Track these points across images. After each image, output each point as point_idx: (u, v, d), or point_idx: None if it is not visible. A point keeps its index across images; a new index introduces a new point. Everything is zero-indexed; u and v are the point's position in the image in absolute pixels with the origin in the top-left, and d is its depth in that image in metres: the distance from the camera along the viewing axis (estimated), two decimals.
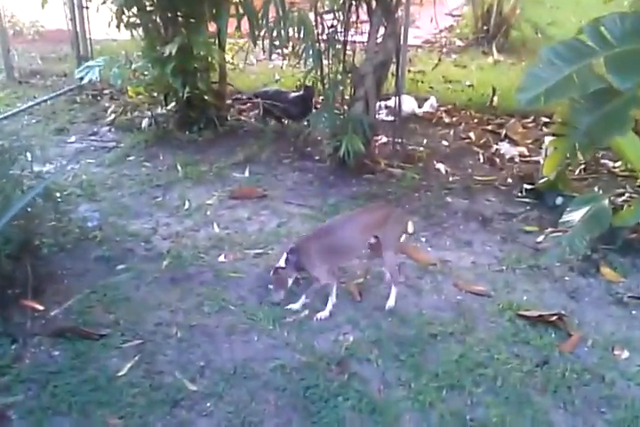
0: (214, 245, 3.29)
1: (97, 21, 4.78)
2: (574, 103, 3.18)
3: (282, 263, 2.71)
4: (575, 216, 3.16)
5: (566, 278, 3.19)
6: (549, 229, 3.57)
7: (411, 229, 3.58)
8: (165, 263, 3.10)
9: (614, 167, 4.46)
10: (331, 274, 2.81)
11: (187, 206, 3.72)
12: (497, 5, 7.97)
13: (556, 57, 2.94)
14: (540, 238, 3.54)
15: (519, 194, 4.07)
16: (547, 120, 5.25)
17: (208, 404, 2.25)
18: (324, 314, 2.76)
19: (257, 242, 3.33)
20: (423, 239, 3.51)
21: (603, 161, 4.53)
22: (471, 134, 5.06)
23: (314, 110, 4.59)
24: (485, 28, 8.07)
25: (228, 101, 5.17)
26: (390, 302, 2.87)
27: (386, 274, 2.97)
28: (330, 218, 3.40)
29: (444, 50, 7.91)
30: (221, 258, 3.18)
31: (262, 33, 4.11)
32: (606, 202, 3.23)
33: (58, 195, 3.15)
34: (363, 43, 4.26)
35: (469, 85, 6.19)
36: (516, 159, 4.65)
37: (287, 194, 3.97)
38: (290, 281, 2.76)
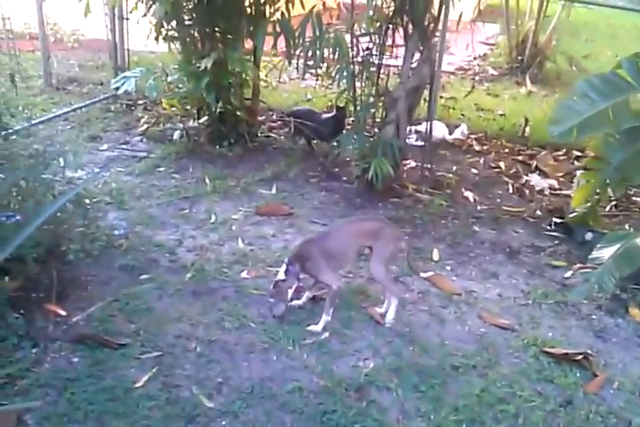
0: (238, 260, 3.28)
1: (136, 32, 4.84)
2: (608, 138, 3.15)
3: (281, 276, 2.73)
4: (605, 253, 3.10)
5: (593, 317, 3.12)
6: (578, 265, 3.52)
7: (436, 256, 3.55)
8: (189, 276, 3.10)
9: None
10: (338, 278, 2.80)
11: (213, 220, 3.72)
12: (532, 36, 7.97)
13: (592, 90, 2.92)
14: (568, 274, 3.48)
15: (548, 227, 4.01)
16: (579, 154, 5.21)
17: (224, 422, 2.22)
18: (317, 328, 2.75)
19: (280, 260, 3.29)
20: (448, 268, 3.46)
21: (635, 198, 4.46)
22: (501, 164, 5.03)
23: (344, 132, 4.59)
24: (520, 58, 8.07)
25: (260, 118, 5.20)
26: (389, 317, 2.85)
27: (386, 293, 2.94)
28: None
29: (477, 78, 7.91)
30: (244, 274, 3.16)
31: (297, 52, 4.14)
32: (638, 240, 3.17)
33: (87, 201, 3.16)
34: (397, 67, 4.28)
35: (501, 115, 6.17)
36: (546, 192, 4.60)
37: (313, 213, 3.95)
38: (290, 292, 2.77)
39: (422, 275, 3.28)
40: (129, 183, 4.12)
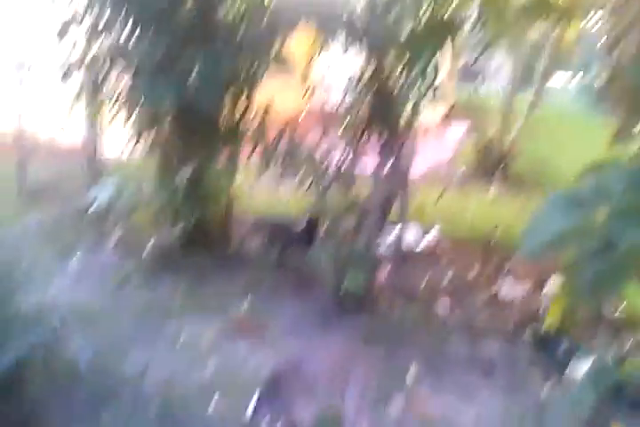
0: (208, 387, 3.14)
1: (113, 138, 4.93)
2: (579, 252, 3.20)
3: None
4: (581, 369, 3.08)
5: None
6: (555, 380, 3.46)
7: (412, 375, 3.46)
8: (154, 410, 2.95)
9: (617, 312, 4.41)
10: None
11: (183, 339, 3.62)
12: (497, 140, 8.36)
13: (558, 208, 2.99)
14: (546, 389, 3.40)
15: (523, 338, 3.98)
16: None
17: None
18: None
19: (254, 384, 3.17)
20: (425, 388, 3.37)
21: (606, 307, 4.48)
22: (474, 271, 5.07)
23: (318, 241, 4.63)
24: (486, 161, 8.41)
25: (234, 226, 5.23)
26: None
27: None
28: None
29: (446, 181, 8.17)
30: (213, 404, 3.02)
31: (272, 163, 4.27)
32: (613, 355, 3.16)
33: (53, 323, 3.07)
34: (369, 175, 4.41)
35: (471, 220, 6.31)
36: (519, 299, 4.61)
37: (288, 327, 3.88)
38: None
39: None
40: (98, 299, 4.03)
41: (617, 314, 4.30)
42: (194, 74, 3.92)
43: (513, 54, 8.46)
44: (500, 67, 9.28)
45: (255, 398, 2.62)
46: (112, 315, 3.86)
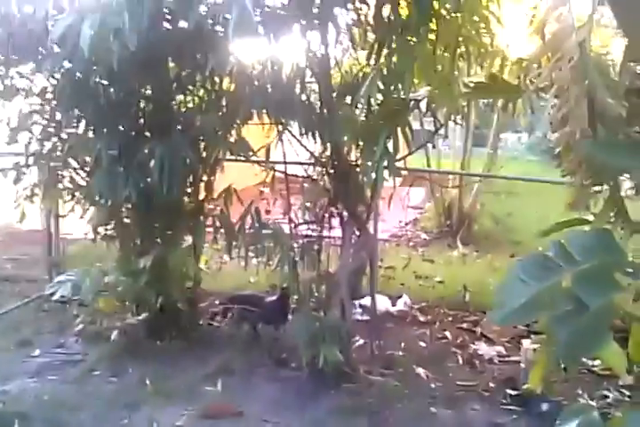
0: None
1: (73, 222, 4.84)
2: (552, 317, 3.22)
3: None
4: None
5: None
6: None
7: None
8: None
9: (593, 366, 4.40)
10: None
11: None
12: (458, 201, 8.56)
13: (525, 274, 3.02)
14: None
15: (503, 400, 3.92)
16: None
17: None
18: None
19: None
20: None
21: (582, 360, 4.48)
22: (447, 333, 5.04)
23: (290, 316, 4.57)
24: (448, 222, 8.57)
25: (201, 305, 5.13)
26: None
27: None
28: None
29: (411, 243, 8.27)
30: None
31: (238, 243, 4.26)
32: (596, 413, 3.10)
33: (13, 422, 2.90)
34: (337, 247, 4.43)
35: (440, 281, 6.34)
36: (495, 360, 4.58)
37: (263, 409, 3.75)
38: None
39: None
40: (62, 393, 3.83)
41: (596, 372, 4.30)
42: (152, 164, 3.95)
43: (465, 118, 8.82)
44: (453, 131, 9.64)
45: None
46: (76, 408, 3.67)
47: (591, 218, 3.64)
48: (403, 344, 4.80)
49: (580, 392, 4.01)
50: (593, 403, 3.79)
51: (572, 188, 3.57)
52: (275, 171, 4.30)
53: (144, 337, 4.57)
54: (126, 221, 4.61)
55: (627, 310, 3.46)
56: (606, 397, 3.94)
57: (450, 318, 5.40)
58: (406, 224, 9.21)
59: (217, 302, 5.26)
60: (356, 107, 3.83)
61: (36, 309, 5.30)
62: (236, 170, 4.67)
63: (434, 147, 9.00)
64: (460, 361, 4.57)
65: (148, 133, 4.39)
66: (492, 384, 4.17)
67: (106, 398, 3.80)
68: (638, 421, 3.18)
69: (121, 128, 4.26)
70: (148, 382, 4.00)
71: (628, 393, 3.89)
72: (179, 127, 4.29)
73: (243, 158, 4.36)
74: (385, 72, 3.54)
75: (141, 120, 4.41)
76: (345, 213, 4.30)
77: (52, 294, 4.41)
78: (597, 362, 4.37)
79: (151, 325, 4.60)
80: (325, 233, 4.46)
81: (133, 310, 4.70)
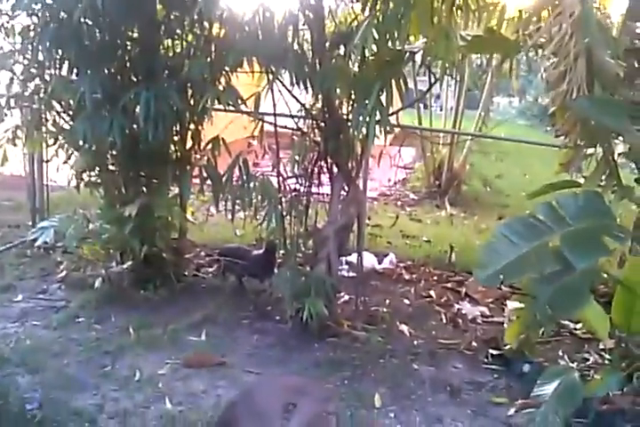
0: (165, 424, 3.00)
1: (57, 170, 4.73)
2: (535, 276, 3.21)
3: None
4: (547, 390, 3.06)
5: None
6: (520, 401, 3.43)
7: (378, 402, 3.39)
8: None
9: (575, 329, 4.46)
10: None
11: (137, 377, 3.44)
12: (448, 161, 8.49)
13: (513, 234, 3.00)
14: (511, 411, 3.38)
15: (485, 360, 3.96)
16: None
17: None
18: None
19: (213, 420, 3.06)
20: (392, 414, 3.30)
21: (564, 322, 4.53)
22: (432, 292, 5.05)
23: (276, 269, 4.54)
24: (437, 182, 8.52)
25: (187, 256, 5.09)
26: None
27: None
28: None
29: (399, 203, 8.23)
30: None
31: (225, 195, 4.18)
32: (576, 375, 3.15)
33: None
34: (325, 203, 4.37)
35: (426, 241, 6.34)
36: (479, 320, 4.60)
37: (246, 360, 3.76)
38: None
39: None
40: (44, 339, 3.81)
41: (577, 335, 4.35)
42: (139, 110, 3.82)
43: (457, 79, 8.67)
44: (445, 91, 9.49)
45: None
46: (59, 354, 3.66)
47: (581, 181, 3.62)
48: (387, 301, 4.82)
49: (561, 354, 4.06)
50: (573, 365, 3.84)
51: (564, 149, 3.53)
52: (264, 122, 4.17)
53: (128, 286, 4.54)
54: (111, 168, 4.51)
55: (611, 274, 3.49)
56: (587, 360, 3.99)
57: (435, 278, 5.41)
58: (395, 183, 9.16)
59: (203, 254, 5.23)
60: (350, 58, 3.68)
61: (19, 254, 5.23)
62: (225, 122, 4.54)
63: (425, 107, 8.93)
64: (444, 320, 4.59)
65: (134, 78, 4.24)
66: (474, 344, 4.20)
67: (88, 345, 3.78)
68: (616, 383, 3.25)
69: (106, 71, 4.10)
70: (131, 330, 3.99)
71: (607, 356, 3.93)
72: (166, 72, 4.14)
73: (231, 108, 4.22)
74: (380, 19, 3.38)
75: (127, 64, 4.25)
76: (334, 168, 4.22)
77: (35, 240, 4.33)
78: (579, 325, 4.44)
79: (135, 273, 4.56)
80: (314, 189, 4.39)
81: (118, 258, 4.65)
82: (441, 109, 10.18)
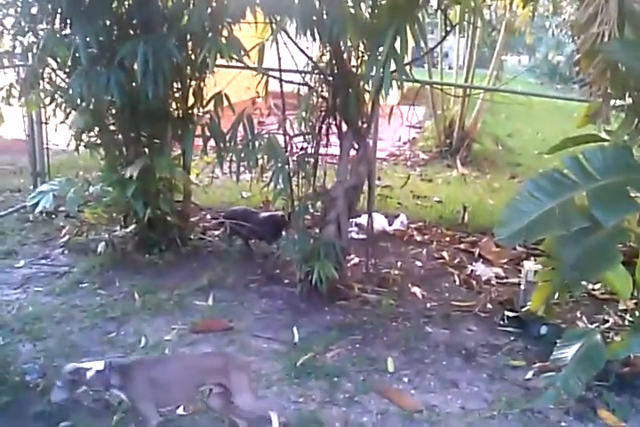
0: None
1: (58, 133, 4.55)
2: (560, 236, 3.04)
3: (91, 369, 2.39)
4: (567, 353, 2.93)
5: (563, 424, 2.92)
6: (538, 364, 3.34)
7: (391, 367, 3.30)
8: (116, 418, 2.70)
9: (594, 290, 4.33)
10: (155, 413, 2.48)
11: (143, 343, 3.35)
12: (459, 119, 8.24)
13: (537, 190, 2.83)
14: (529, 375, 3.29)
15: (501, 322, 3.84)
16: None
17: None
18: None
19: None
20: (405, 379, 3.21)
21: (582, 283, 4.39)
22: (444, 254, 4.92)
23: (284, 232, 4.39)
24: (448, 141, 8.29)
25: (192, 219, 4.95)
26: None
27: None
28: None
29: (409, 163, 8.02)
30: (180, 410, 2.79)
31: (229, 156, 4.00)
32: (599, 337, 3.03)
33: None
34: (334, 164, 4.19)
35: (438, 201, 6.17)
36: (493, 281, 4.49)
37: (255, 325, 3.66)
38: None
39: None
40: (47, 305, 3.72)
41: (596, 296, 4.22)
42: (136, 65, 3.61)
43: (463, 35, 8.36)
44: (451, 49, 9.18)
45: (104, 365, 2.42)
46: (63, 320, 3.56)
47: (604, 135, 3.41)
48: (399, 263, 4.69)
49: (579, 316, 3.94)
50: (595, 328, 3.71)
51: (590, 101, 3.31)
52: (268, 77, 3.95)
53: (132, 250, 4.42)
54: (111, 128, 4.33)
55: (637, 233, 3.32)
56: (606, 321, 3.88)
57: (447, 239, 5.26)
58: (405, 143, 8.92)
59: (209, 217, 5.09)
60: (361, 2, 3.42)
61: (21, 219, 5.10)
62: (228, 82, 4.32)
63: (435, 66, 8.63)
64: (457, 281, 4.47)
65: (130, 31, 4.01)
66: (489, 305, 4.09)
67: (92, 311, 3.69)
68: (638, 344, 3.11)
69: (101, 23, 3.86)
70: (136, 295, 3.89)
71: (628, 318, 3.81)
72: (165, 24, 3.90)
73: (234, 63, 4.00)
74: None
75: (123, 15, 4.01)
76: (343, 126, 4.01)
77: (35, 206, 4.17)
78: (597, 286, 4.30)
79: (140, 237, 4.44)
80: (323, 150, 4.19)
81: (121, 222, 4.52)
82: (450, 68, 9.85)
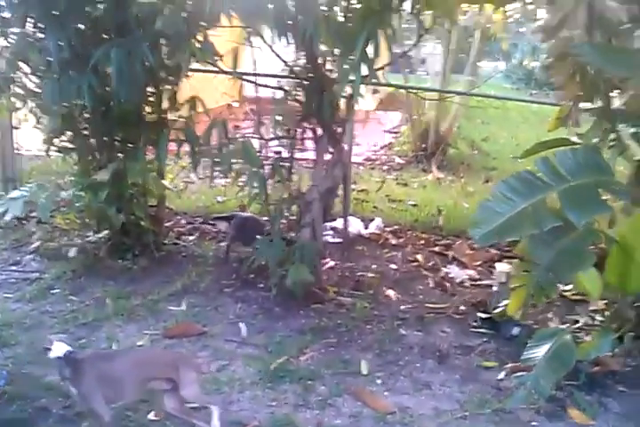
0: (143, 399, 2.87)
1: (28, 137, 4.49)
2: (533, 238, 3.08)
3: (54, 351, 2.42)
4: (538, 353, 2.98)
5: (534, 424, 2.94)
6: (510, 365, 3.37)
7: (365, 369, 3.30)
8: (86, 425, 2.67)
9: (565, 291, 4.38)
10: (106, 406, 2.48)
11: (115, 349, 3.32)
12: (434, 124, 8.32)
13: (510, 191, 2.88)
14: (501, 375, 3.31)
15: (474, 324, 3.88)
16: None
17: None
18: None
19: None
20: (379, 381, 3.21)
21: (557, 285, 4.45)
22: (419, 257, 4.95)
23: (259, 236, 4.38)
24: (424, 145, 8.36)
25: (167, 224, 4.92)
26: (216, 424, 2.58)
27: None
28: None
29: (385, 167, 8.07)
30: (151, 415, 2.77)
31: (204, 158, 3.99)
32: (569, 337, 3.08)
33: None
34: (309, 168, 4.20)
35: (413, 205, 6.21)
36: (467, 283, 4.52)
37: (229, 330, 3.64)
38: None
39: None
40: (17, 312, 3.66)
41: (567, 297, 4.28)
42: (109, 70, 3.59)
43: (444, 42, 8.46)
44: (429, 55, 9.28)
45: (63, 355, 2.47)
46: (33, 327, 3.51)
47: (574, 139, 3.47)
48: (373, 266, 4.71)
49: (551, 317, 3.99)
50: (566, 328, 3.76)
51: (561, 104, 3.38)
52: (244, 80, 3.95)
53: (105, 256, 4.37)
54: (84, 132, 4.29)
55: (607, 234, 3.38)
56: (577, 322, 3.92)
57: (422, 242, 5.30)
58: (381, 148, 8.99)
59: (184, 222, 5.04)
60: (335, 5, 3.45)
61: None
62: (204, 86, 4.32)
63: (411, 72, 8.71)
64: (431, 284, 4.50)
65: (104, 34, 3.99)
66: (462, 307, 4.11)
67: (63, 317, 3.63)
68: (608, 344, 3.17)
69: (74, 27, 3.83)
70: (108, 301, 3.84)
71: (599, 318, 3.87)
72: (139, 28, 3.89)
73: (210, 68, 3.99)
74: None
75: (97, 19, 3.98)
76: (318, 130, 4.03)
77: (3, 214, 4.09)
78: (569, 287, 4.36)
79: (113, 243, 4.39)
80: (298, 154, 4.20)
81: (94, 227, 4.47)
82: (427, 74, 9.96)
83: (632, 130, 3.22)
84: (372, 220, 5.51)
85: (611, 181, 2.84)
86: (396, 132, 10.07)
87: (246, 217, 4.74)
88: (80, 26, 3.92)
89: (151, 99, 4.28)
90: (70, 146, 4.28)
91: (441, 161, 8.16)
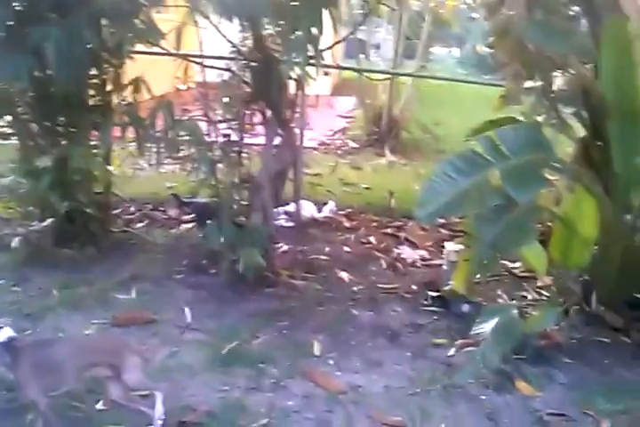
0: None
1: None
2: (477, 215, 3.14)
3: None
4: (485, 328, 3.05)
5: (482, 397, 2.99)
6: (459, 341, 3.43)
7: (317, 350, 3.31)
8: (30, 417, 2.59)
9: (513, 268, 4.48)
10: (42, 395, 2.44)
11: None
12: (387, 108, 8.35)
13: (453, 170, 2.91)
14: (451, 352, 3.37)
15: (424, 302, 3.93)
16: (443, 222, 5.29)
17: None
18: None
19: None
20: (331, 362, 3.23)
21: (501, 262, 4.54)
22: (372, 239, 4.98)
23: (209, 220, 4.32)
24: (377, 129, 8.39)
25: (114, 212, 4.80)
26: (159, 411, 2.57)
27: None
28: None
29: (339, 152, 8.07)
30: (100, 405, 2.71)
31: (150, 142, 3.90)
32: (515, 312, 3.15)
33: None
34: (259, 151, 4.15)
35: (366, 188, 6.24)
36: (418, 263, 4.58)
37: (179, 316, 3.57)
38: None
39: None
40: None
41: (515, 274, 4.37)
42: (48, 50, 3.45)
43: (394, 27, 8.48)
44: (383, 41, 9.29)
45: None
46: None
47: (521, 118, 3.53)
48: (327, 249, 4.71)
49: (500, 293, 4.07)
50: (512, 303, 3.85)
51: (503, 82, 3.43)
52: (189, 61, 3.87)
53: (50, 245, 4.22)
54: (25, 117, 4.13)
55: (552, 211, 3.46)
56: (525, 297, 4.02)
57: (375, 224, 5.34)
58: (335, 133, 8.98)
59: (133, 209, 4.93)
60: None
61: None
62: (151, 68, 4.20)
63: (367, 57, 8.71)
64: (383, 265, 4.53)
65: (43, 15, 3.82)
66: (413, 287, 4.16)
67: (6, 308, 3.51)
68: (553, 318, 3.26)
69: (10, 7, 3.67)
70: (54, 291, 3.74)
71: (545, 293, 3.97)
72: (79, 8, 3.74)
73: (155, 50, 3.89)
74: None
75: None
76: (267, 112, 3.98)
77: None
78: (517, 264, 4.45)
79: (58, 231, 4.24)
80: (248, 139, 4.14)
81: (38, 215, 4.32)
82: (381, 60, 9.99)
83: (573, 108, 3.28)
84: (326, 203, 5.51)
85: (552, 158, 2.89)
86: (350, 117, 10.08)
87: (207, 203, 4.68)
88: (17, 4, 3.76)
89: (94, 81, 4.15)
90: (10, 131, 4.11)
91: (394, 145, 8.21)
